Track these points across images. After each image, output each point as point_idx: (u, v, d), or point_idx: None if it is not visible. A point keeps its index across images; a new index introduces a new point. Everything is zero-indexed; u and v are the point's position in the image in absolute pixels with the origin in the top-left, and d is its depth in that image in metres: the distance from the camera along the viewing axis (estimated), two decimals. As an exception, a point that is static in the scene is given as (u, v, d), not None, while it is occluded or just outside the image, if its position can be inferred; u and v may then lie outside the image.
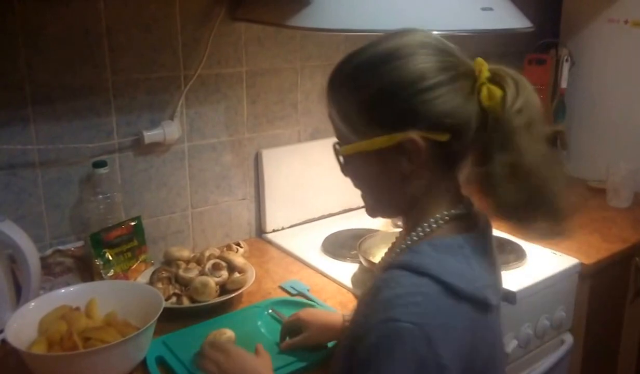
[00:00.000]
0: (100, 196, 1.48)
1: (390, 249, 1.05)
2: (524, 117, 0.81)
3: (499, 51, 2.17)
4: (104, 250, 1.45)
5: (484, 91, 0.83)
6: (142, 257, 1.53)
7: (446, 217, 0.88)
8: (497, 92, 0.82)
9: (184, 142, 1.63)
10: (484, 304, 0.84)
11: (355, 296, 1.45)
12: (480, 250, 0.88)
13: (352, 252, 1.63)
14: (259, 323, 1.33)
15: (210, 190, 1.71)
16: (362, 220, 1.86)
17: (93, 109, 1.47)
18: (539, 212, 0.85)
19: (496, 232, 1.78)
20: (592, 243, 1.74)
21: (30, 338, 1.16)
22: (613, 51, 2.18)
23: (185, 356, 1.20)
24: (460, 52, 0.88)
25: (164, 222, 1.65)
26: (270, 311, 1.36)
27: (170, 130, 1.56)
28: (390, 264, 0.85)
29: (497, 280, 0.94)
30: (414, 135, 0.82)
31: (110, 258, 1.46)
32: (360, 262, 1.59)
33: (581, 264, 1.62)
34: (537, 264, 1.59)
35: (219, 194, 1.72)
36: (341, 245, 1.69)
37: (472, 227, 0.89)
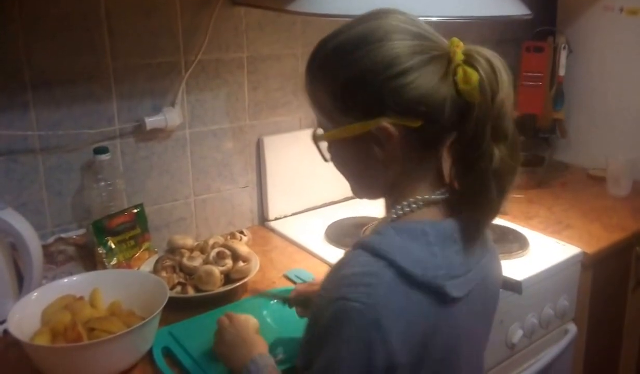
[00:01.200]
0: (102, 183, 1.46)
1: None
2: (501, 109, 0.80)
3: (496, 38, 2.17)
4: (106, 238, 1.43)
5: (460, 73, 0.81)
6: (145, 245, 1.51)
7: (420, 202, 0.87)
8: (473, 75, 0.80)
9: (185, 128, 1.61)
10: (442, 294, 0.81)
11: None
12: (454, 238, 0.85)
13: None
14: (265, 312, 1.32)
15: (212, 178, 1.69)
16: (364, 208, 1.85)
17: (93, 95, 1.44)
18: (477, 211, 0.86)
19: (498, 220, 1.78)
20: (593, 232, 1.74)
21: (33, 329, 1.14)
22: (609, 39, 2.17)
23: (191, 347, 1.19)
24: (436, 34, 0.86)
25: (167, 210, 1.63)
26: (274, 301, 1.34)
27: (171, 116, 1.54)
28: (355, 243, 0.84)
29: (483, 271, 0.90)
30: (385, 122, 0.82)
31: (113, 246, 1.44)
32: (364, 251, 1.58)
33: (584, 254, 1.62)
34: (540, 253, 1.59)
35: (221, 181, 1.71)
36: (344, 233, 1.68)
37: (450, 214, 0.87)
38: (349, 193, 1.91)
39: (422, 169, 0.88)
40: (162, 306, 1.16)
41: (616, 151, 2.06)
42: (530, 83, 2.12)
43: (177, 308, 1.29)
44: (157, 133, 1.55)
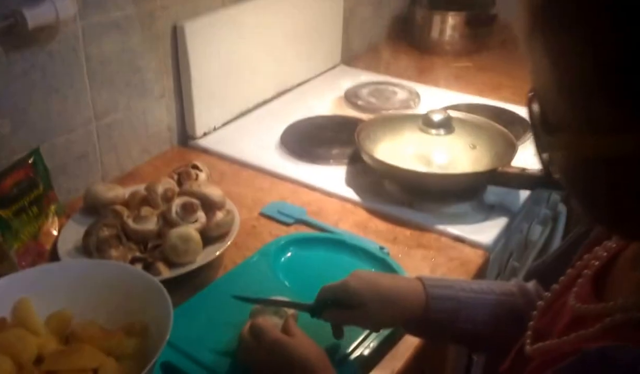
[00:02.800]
0: (-34, 125, 0.90)
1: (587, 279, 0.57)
2: None
3: None
4: (-4, 212, 0.90)
5: None
6: (53, 207, 1.00)
7: None
8: None
9: (75, 21, 1.05)
10: None
11: (370, 212, 1.10)
12: None
13: (334, 152, 1.25)
14: (280, 275, 0.93)
15: (118, 90, 1.16)
16: (306, 103, 1.47)
17: None
18: None
19: (478, 99, 1.50)
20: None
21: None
22: None
23: (203, 354, 0.79)
24: None
25: (61, 147, 1.10)
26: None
27: (63, 4, 0.97)
28: (623, 356, 0.43)
29: None
30: None
31: (11, 222, 0.91)
32: (348, 164, 1.22)
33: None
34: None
35: (130, 94, 1.19)
36: (309, 142, 1.29)
37: None
38: (284, 86, 1.54)
39: None
40: (171, 322, 0.72)
41: None
42: None
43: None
44: (39, 33, 0.99)
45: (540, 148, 0.48)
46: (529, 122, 0.48)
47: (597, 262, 0.57)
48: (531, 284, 0.79)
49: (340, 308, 0.75)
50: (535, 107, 0.47)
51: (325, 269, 0.94)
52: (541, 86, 0.45)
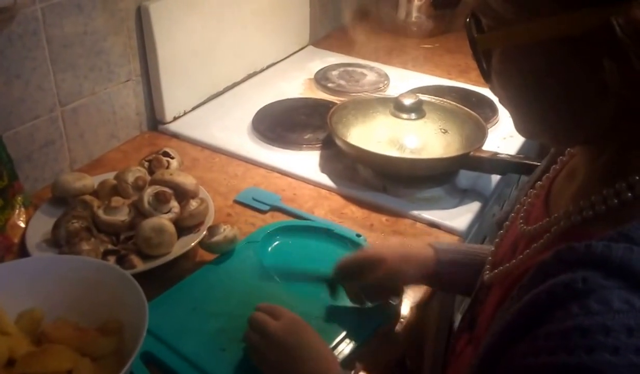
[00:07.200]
0: None
1: (542, 186, 0.64)
2: None
3: None
4: (-41, 205, 0.86)
5: None
6: (19, 199, 0.96)
7: None
8: None
9: (34, 3, 1.00)
10: None
11: (346, 198, 1.10)
12: None
13: (307, 137, 1.23)
14: (265, 264, 0.92)
15: (83, 74, 1.12)
16: (276, 86, 1.45)
17: None
18: None
19: (441, 81, 1.52)
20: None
21: None
22: None
23: (182, 343, 0.78)
24: None
25: (26, 135, 1.05)
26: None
27: (23, -15, 0.93)
28: (575, 253, 0.45)
29: None
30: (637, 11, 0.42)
31: (-25, 216, 0.88)
32: (321, 148, 1.21)
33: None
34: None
35: (95, 78, 1.15)
36: (281, 126, 1.27)
37: None
38: (253, 68, 1.51)
39: None
40: (146, 318, 0.70)
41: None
42: None
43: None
44: (-4, 15, 0.94)
45: (478, 53, 0.54)
46: (468, 39, 0.54)
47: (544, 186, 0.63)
48: None
49: (359, 274, 0.81)
50: (473, 23, 0.53)
51: (311, 256, 0.94)
52: None
